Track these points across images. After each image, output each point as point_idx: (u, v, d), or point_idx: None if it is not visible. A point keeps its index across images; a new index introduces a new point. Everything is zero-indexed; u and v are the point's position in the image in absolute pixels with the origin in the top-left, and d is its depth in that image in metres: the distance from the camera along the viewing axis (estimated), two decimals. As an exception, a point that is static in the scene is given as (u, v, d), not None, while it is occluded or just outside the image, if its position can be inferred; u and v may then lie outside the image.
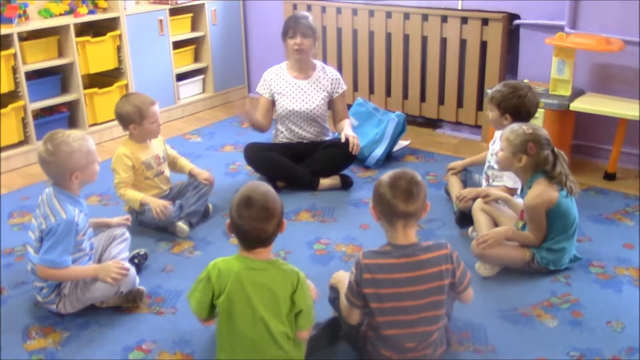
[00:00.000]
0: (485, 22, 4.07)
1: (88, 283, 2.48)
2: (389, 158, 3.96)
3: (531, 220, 2.66)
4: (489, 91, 3.17)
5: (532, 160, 2.62)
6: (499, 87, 3.06)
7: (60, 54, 4.19)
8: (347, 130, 3.64)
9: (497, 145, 3.11)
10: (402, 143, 4.10)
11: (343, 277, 2.28)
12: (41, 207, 2.45)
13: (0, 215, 3.37)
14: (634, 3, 3.55)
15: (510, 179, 2.99)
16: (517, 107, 2.96)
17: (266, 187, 2.05)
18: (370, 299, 2.05)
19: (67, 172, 2.40)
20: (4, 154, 3.94)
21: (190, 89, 5.04)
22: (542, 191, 2.60)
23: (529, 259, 2.70)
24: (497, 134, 3.17)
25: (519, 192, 3.02)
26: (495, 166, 3.07)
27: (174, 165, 3.35)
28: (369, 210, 2.14)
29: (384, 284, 2.03)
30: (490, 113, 3.06)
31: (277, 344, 2.01)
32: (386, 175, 2.09)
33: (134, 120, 3.06)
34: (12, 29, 3.83)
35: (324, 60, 4.72)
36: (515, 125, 2.68)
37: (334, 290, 2.36)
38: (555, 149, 2.63)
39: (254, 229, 1.96)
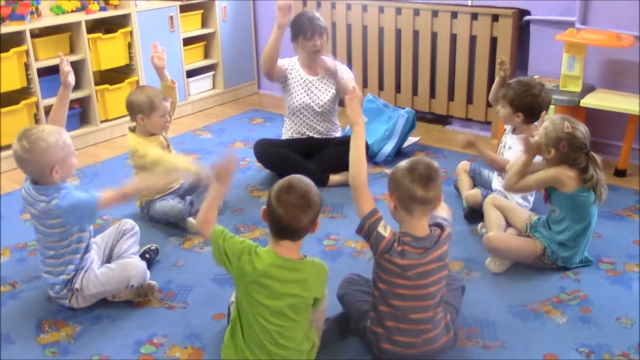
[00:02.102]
0: (495, 18, 4.06)
1: (100, 277, 2.50)
2: (399, 154, 3.96)
3: (537, 175, 2.66)
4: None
5: (561, 157, 2.61)
6: (512, 84, 3.04)
7: (72, 51, 4.22)
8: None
9: (507, 139, 3.11)
10: (411, 139, 4.11)
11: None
12: (27, 204, 2.43)
13: (1, 211, 3.41)
14: (646, -1, 3.55)
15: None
16: (530, 106, 2.96)
17: (310, 181, 2.05)
18: (387, 280, 2.09)
19: (46, 167, 2.35)
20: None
21: (201, 85, 5.06)
22: (564, 173, 2.59)
23: (540, 253, 2.70)
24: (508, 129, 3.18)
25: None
26: (506, 154, 3.07)
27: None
28: (385, 199, 2.14)
29: (404, 268, 2.07)
30: (502, 109, 3.06)
31: (290, 336, 2.05)
32: (402, 162, 2.09)
33: (142, 110, 3.07)
34: (25, 26, 3.87)
35: (334, 57, 4.72)
36: (559, 118, 2.65)
37: (342, 286, 2.38)
38: (590, 152, 2.61)
39: (289, 215, 1.93)
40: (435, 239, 2.10)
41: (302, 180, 2.02)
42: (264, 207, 2.01)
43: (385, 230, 2.08)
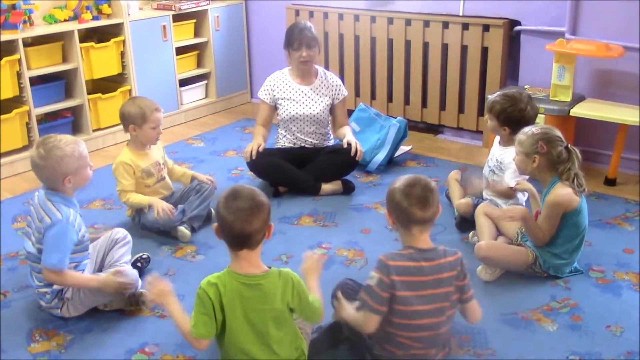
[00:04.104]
0: (486, 28, 4.09)
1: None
2: (391, 163, 3.98)
3: (547, 217, 2.65)
4: (490, 97, 3.18)
5: (546, 159, 2.63)
6: (498, 97, 3.05)
7: (65, 60, 4.22)
8: (348, 135, 3.67)
9: (495, 148, 3.14)
10: (403, 148, 4.13)
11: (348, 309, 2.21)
12: (34, 212, 2.46)
13: (0, 219, 3.41)
14: (635, 9, 3.58)
15: (509, 178, 3.00)
16: (518, 120, 2.98)
17: (253, 187, 2.06)
18: (399, 302, 2.04)
19: (59, 176, 2.41)
20: (8, 159, 3.97)
21: (193, 94, 5.07)
22: (567, 192, 2.61)
23: (532, 262, 2.72)
24: (497, 139, 3.19)
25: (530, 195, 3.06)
26: (496, 170, 3.09)
27: (171, 175, 3.36)
28: (385, 216, 2.15)
29: (412, 286, 2.04)
30: (490, 122, 3.08)
31: (272, 350, 2.03)
32: (399, 182, 2.09)
33: (134, 121, 3.09)
34: (17, 35, 3.87)
35: (326, 66, 4.75)
36: (526, 128, 2.71)
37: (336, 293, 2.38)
38: (569, 145, 2.63)
39: (240, 220, 1.93)
40: (439, 252, 2.09)
41: (245, 186, 2.05)
42: (215, 224, 2.01)
43: (372, 278, 2.05)
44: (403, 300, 2.04)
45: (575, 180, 2.61)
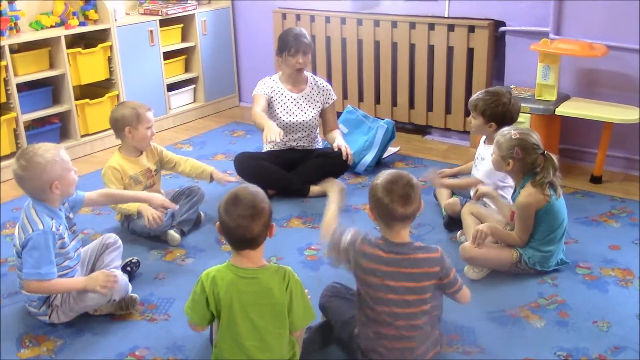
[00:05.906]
0: (471, 29, 4.12)
1: (80, 292, 2.49)
2: (379, 164, 4.00)
3: (520, 218, 2.70)
4: (472, 97, 3.20)
5: (520, 164, 2.66)
6: (481, 95, 3.09)
7: (52, 66, 4.22)
8: (339, 140, 3.69)
9: (480, 149, 3.17)
10: (391, 149, 4.15)
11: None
12: (20, 220, 2.46)
13: (-7, 226, 3.40)
14: (618, 9, 3.62)
15: (482, 174, 3.04)
16: (502, 115, 3.02)
17: (255, 188, 2.08)
18: (361, 283, 2.13)
19: (45, 183, 2.39)
20: (-4, 166, 3.97)
21: (181, 99, 5.07)
22: (534, 192, 2.64)
23: (517, 260, 2.74)
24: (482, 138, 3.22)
25: (510, 194, 3.08)
26: (479, 166, 3.12)
27: (185, 170, 3.31)
28: (367, 211, 2.18)
29: (369, 272, 2.10)
30: (474, 121, 3.11)
31: (269, 348, 2.04)
32: (381, 178, 2.12)
33: (130, 123, 3.08)
34: (4, 41, 3.86)
35: (314, 69, 4.77)
36: (506, 130, 2.73)
37: (325, 295, 2.40)
38: (546, 152, 2.66)
39: (240, 226, 1.96)
40: (413, 247, 2.12)
41: (247, 189, 2.06)
42: (217, 222, 2.04)
43: (349, 233, 2.19)
44: (365, 283, 2.12)
45: (549, 186, 2.65)
